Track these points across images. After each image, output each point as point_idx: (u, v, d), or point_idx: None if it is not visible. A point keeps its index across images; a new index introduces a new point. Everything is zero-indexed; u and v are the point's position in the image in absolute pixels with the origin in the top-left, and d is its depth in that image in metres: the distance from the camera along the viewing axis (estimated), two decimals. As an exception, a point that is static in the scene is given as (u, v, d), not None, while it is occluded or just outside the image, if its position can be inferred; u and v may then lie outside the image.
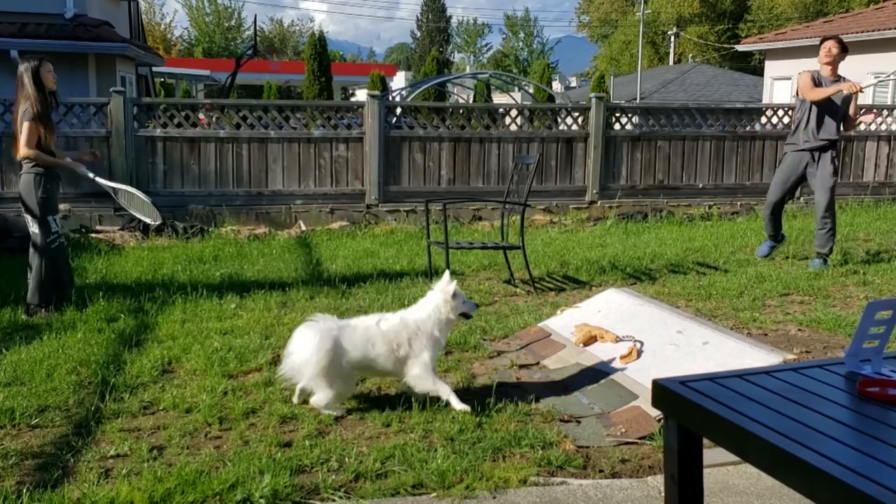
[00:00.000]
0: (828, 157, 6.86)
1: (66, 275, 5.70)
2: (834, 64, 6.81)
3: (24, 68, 5.46)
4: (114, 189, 6.04)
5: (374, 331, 3.71)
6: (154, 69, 19.69)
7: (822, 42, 6.96)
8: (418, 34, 69.84)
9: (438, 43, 65.62)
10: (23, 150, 5.40)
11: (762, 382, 1.90)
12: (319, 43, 24.50)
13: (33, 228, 5.48)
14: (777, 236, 7.29)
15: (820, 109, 6.79)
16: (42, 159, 5.45)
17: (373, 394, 3.96)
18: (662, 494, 2.55)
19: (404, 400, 3.80)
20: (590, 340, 4.43)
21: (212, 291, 6.00)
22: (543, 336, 4.81)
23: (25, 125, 5.38)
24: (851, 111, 6.87)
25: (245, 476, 2.99)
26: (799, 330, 5.12)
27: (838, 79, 6.80)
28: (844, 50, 6.83)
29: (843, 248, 7.66)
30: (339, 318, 3.90)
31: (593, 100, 10.31)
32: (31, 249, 5.53)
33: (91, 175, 5.78)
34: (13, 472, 3.09)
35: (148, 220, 6.17)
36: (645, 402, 3.59)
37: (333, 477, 3.03)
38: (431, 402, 3.70)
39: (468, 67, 64.11)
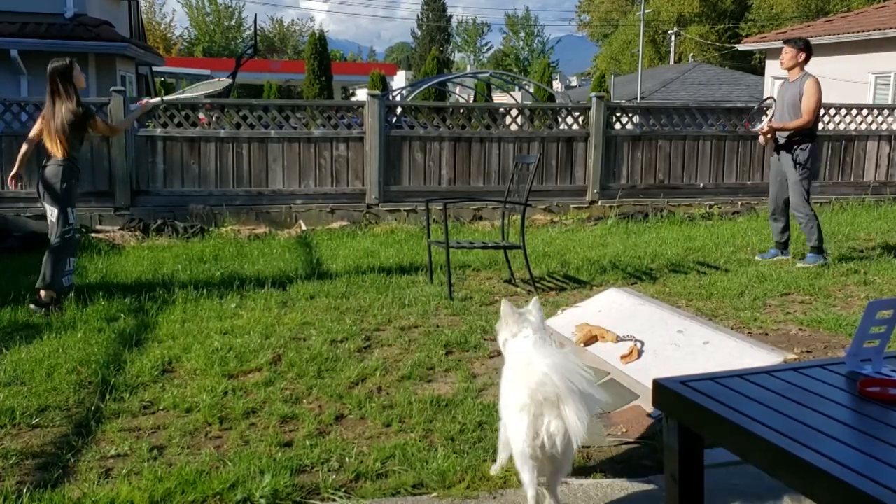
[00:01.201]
0: (789, 156, 6.93)
1: (70, 265, 5.79)
2: (791, 67, 6.97)
3: (53, 69, 5.58)
4: (183, 93, 6.87)
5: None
6: (154, 69, 19.68)
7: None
8: (419, 33, 69.82)
9: (439, 42, 65.60)
10: (107, 130, 6.28)
11: (763, 382, 1.90)
12: (320, 42, 24.50)
13: (52, 217, 5.62)
14: (783, 245, 7.28)
15: (776, 111, 7.06)
16: (119, 127, 6.96)
17: (373, 393, 3.95)
18: (663, 494, 2.55)
19: (404, 400, 3.80)
20: (590, 340, 4.42)
21: (212, 291, 6.01)
22: (544, 336, 4.80)
23: (98, 120, 5.89)
24: (803, 106, 6.85)
25: (245, 476, 2.99)
26: (800, 330, 5.11)
27: (804, 75, 6.91)
28: (801, 50, 6.91)
29: (841, 247, 7.66)
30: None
31: (594, 99, 10.31)
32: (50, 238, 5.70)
33: (160, 99, 6.65)
34: (13, 471, 3.09)
35: (219, 87, 6.89)
36: (646, 402, 3.59)
37: (334, 477, 3.02)
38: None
39: (469, 67, 64.10)
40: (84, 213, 8.98)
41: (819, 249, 6.98)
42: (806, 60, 6.93)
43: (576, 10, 62.86)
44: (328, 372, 4.23)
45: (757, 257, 7.36)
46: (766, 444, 1.55)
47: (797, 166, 6.92)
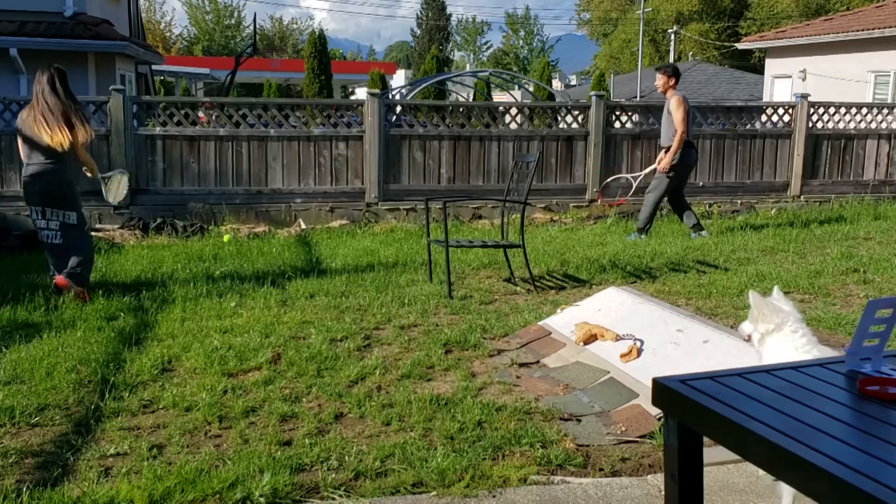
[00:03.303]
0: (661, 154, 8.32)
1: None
2: (665, 90, 8.27)
3: (46, 76, 5.72)
4: (105, 179, 6.47)
5: None
6: (154, 67, 19.66)
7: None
8: (418, 32, 69.74)
9: (438, 41, 65.52)
10: (82, 155, 5.92)
11: (763, 381, 1.89)
12: (319, 41, 24.46)
13: (70, 221, 5.78)
14: (694, 227, 8.45)
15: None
16: (88, 161, 6.07)
17: (372, 392, 3.95)
18: (662, 493, 2.55)
19: (404, 398, 3.80)
20: (590, 339, 4.43)
21: (211, 290, 6.00)
22: (543, 334, 4.80)
23: (83, 131, 5.74)
24: (676, 125, 8.06)
25: (245, 475, 2.99)
26: (799, 328, 5.11)
27: (673, 94, 8.19)
28: (671, 76, 8.22)
29: (840, 246, 7.66)
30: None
31: (593, 98, 10.31)
32: (69, 238, 5.79)
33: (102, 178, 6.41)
34: (13, 470, 3.09)
35: (110, 199, 6.57)
36: (645, 401, 3.59)
37: (333, 475, 3.02)
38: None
39: (468, 65, 64.07)
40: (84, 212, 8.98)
41: (642, 230, 8.37)
42: (675, 83, 8.21)
43: (575, 8, 62.90)
44: (328, 371, 4.23)
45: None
46: (766, 443, 1.55)
47: (669, 169, 8.20)
